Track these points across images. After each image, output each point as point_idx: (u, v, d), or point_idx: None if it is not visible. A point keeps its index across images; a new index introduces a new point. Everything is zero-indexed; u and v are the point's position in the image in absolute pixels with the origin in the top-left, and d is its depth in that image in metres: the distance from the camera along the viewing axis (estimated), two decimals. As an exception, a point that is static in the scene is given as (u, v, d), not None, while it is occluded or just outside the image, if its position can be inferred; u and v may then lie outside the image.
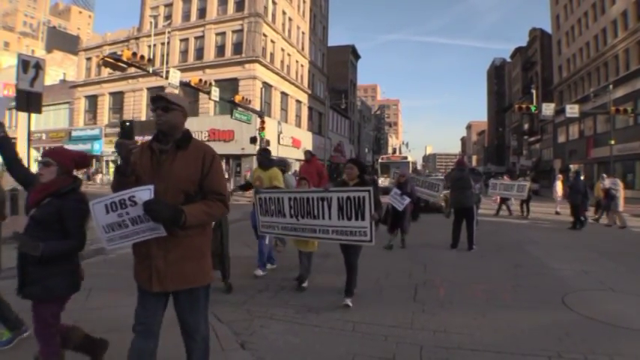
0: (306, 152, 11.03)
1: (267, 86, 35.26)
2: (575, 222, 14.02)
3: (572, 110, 23.94)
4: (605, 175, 17.05)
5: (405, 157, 39.65)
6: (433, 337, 4.41)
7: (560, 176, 20.67)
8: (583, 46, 45.22)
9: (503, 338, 4.41)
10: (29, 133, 9.66)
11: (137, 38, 38.79)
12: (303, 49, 45.56)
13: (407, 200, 9.63)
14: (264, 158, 7.13)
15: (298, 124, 43.64)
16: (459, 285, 6.51)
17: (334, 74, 58.40)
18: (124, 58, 15.69)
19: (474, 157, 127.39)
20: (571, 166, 42.85)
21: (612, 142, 28.72)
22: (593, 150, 39.72)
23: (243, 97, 24.25)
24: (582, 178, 15.61)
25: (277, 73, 38.04)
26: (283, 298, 5.64)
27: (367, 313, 5.10)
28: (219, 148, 33.82)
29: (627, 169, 34.05)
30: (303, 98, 45.02)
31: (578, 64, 46.39)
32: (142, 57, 16.42)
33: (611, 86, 29.72)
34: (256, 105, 28.09)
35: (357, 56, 70.12)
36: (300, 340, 4.28)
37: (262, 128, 24.81)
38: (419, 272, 7.30)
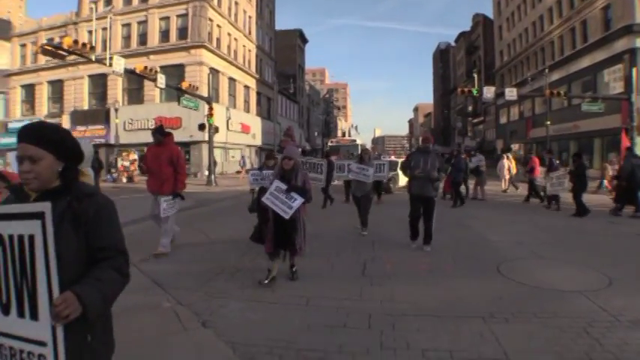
0: (156, 130, 7.42)
1: (214, 72, 34.78)
2: (457, 199, 14.89)
3: (510, 93, 25.12)
4: (509, 155, 19.05)
5: (354, 140, 40.12)
6: (380, 306, 4.80)
7: (504, 155, 21.53)
8: (522, 32, 47.23)
9: (443, 304, 4.86)
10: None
11: (76, 23, 37.11)
12: (250, 33, 45.11)
13: (298, 201, 5.45)
14: None
15: (247, 110, 43.38)
16: (404, 259, 6.96)
17: (282, 58, 58.20)
18: (65, 46, 15.12)
19: (421, 139, 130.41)
20: (512, 145, 45.03)
21: (548, 122, 30.42)
22: (532, 130, 41.82)
23: (190, 84, 23.86)
24: (464, 156, 17.11)
25: (224, 59, 37.57)
26: (239, 279, 5.87)
27: (320, 288, 5.43)
28: (168, 136, 33.21)
29: (562, 147, 36.14)
30: (251, 83, 44.72)
31: (518, 49, 48.46)
32: (84, 44, 15.87)
33: (546, 70, 31.30)
34: (203, 91, 27.71)
35: (304, 40, 70.11)
36: (257, 316, 4.55)
37: (210, 115, 24.56)
38: (367, 250, 7.69)
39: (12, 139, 39.88)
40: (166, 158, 7.04)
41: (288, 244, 5.68)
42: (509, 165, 20.00)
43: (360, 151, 11.39)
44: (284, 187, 5.52)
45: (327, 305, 4.82)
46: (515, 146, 46.20)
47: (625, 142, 17.63)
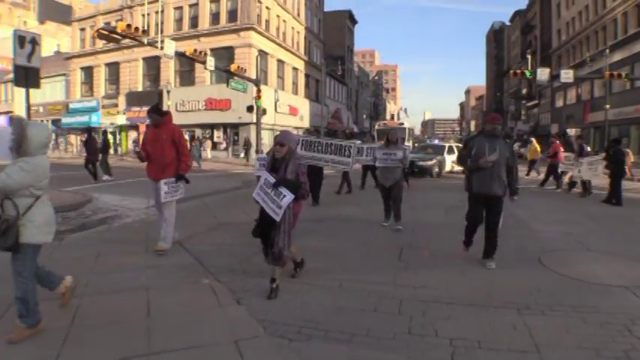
0: (152, 109, 6.51)
1: (262, 54, 35.00)
2: None
3: (566, 75, 24.00)
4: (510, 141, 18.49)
5: (402, 123, 39.65)
6: (413, 292, 4.78)
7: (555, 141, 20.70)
8: (582, 10, 44.68)
9: (477, 293, 4.79)
10: (28, 108, 9.83)
11: (130, 7, 38.23)
12: (298, 15, 44.99)
13: (287, 198, 4.39)
14: None
15: (295, 92, 43.52)
16: (442, 246, 6.86)
17: (331, 40, 57.78)
18: (119, 30, 15.72)
19: (473, 122, 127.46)
20: (568, 130, 43.08)
21: (607, 106, 28.87)
22: (590, 115, 39.82)
23: (238, 66, 24.22)
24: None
25: (273, 41, 37.72)
26: (277, 260, 5.99)
27: (354, 271, 5.47)
28: (217, 117, 33.97)
29: (622, 133, 34.23)
30: (300, 65, 44.74)
31: (577, 28, 45.94)
32: (137, 28, 16.40)
33: (607, 50, 29.59)
34: (252, 73, 28.02)
35: (353, 21, 69.32)
36: (290, 296, 4.65)
37: (259, 97, 24.90)
38: (406, 235, 7.65)
39: (74, 119, 41.96)
40: (168, 139, 6.33)
41: (268, 245, 4.65)
42: None
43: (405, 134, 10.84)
44: (272, 180, 4.60)
45: (359, 289, 4.86)
46: (571, 131, 44.16)
47: None
